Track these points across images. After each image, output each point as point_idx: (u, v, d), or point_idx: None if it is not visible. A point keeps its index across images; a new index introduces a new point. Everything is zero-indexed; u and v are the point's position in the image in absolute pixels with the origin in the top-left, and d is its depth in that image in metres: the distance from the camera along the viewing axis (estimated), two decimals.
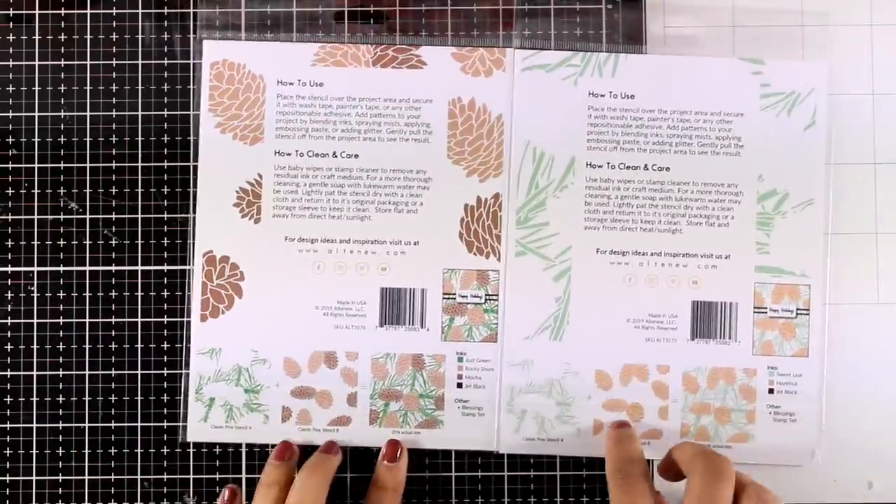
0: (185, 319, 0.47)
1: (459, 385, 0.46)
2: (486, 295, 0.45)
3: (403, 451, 0.45)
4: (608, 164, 0.43)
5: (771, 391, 0.43)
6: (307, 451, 0.46)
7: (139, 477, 0.47)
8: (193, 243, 0.46)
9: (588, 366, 0.44)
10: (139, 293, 0.47)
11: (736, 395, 0.43)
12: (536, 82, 0.43)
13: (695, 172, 0.43)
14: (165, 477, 0.47)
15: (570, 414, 0.44)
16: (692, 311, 0.43)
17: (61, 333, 0.47)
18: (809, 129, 0.42)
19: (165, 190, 0.47)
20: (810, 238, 0.43)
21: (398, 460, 0.44)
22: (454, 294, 0.46)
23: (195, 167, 0.47)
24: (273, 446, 0.46)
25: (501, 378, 0.45)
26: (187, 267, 0.47)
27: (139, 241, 0.47)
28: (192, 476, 0.47)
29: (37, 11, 0.48)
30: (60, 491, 0.47)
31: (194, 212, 0.47)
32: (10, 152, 0.47)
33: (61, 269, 0.47)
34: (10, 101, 0.47)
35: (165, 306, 0.47)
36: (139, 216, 0.47)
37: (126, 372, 0.47)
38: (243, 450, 0.47)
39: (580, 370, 0.44)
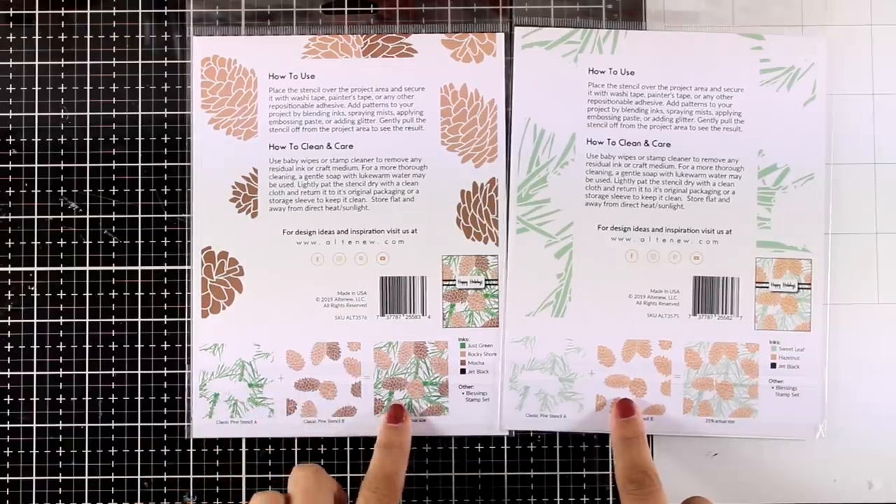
0: (185, 319, 0.47)
1: (462, 371, 0.46)
2: (485, 280, 0.45)
3: (407, 414, 0.45)
4: (609, 140, 0.43)
5: (773, 366, 0.43)
6: (312, 443, 0.46)
7: (139, 477, 0.47)
8: (191, 240, 0.46)
9: (590, 342, 0.44)
10: (139, 293, 0.47)
11: (738, 370, 0.43)
12: (536, 59, 0.43)
13: (695, 148, 0.43)
14: (166, 477, 0.47)
15: (572, 390, 0.44)
16: (694, 286, 0.43)
17: (61, 333, 0.47)
18: (810, 104, 0.42)
19: (165, 190, 0.47)
20: (811, 213, 0.43)
21: (403, 421, 0.44)
22: (454, 280, 0.46)
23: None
24: (272, 441, 0.46)
25: (504, 355, 0.45)
26: (187, 267, 0.47)
27: (139, 241, 0.47)
28: (192, 476, 0.47)
29: (37, 11, 0.48)
30: (60, 491, 0.47)
31: (191, 211, 0.47)
32: (10, 152, 0.47)
33: (61, 269, 0.47)
34: (10, 101, 0.47)
35: (165, 306, 0.47)
36: (139, 216, 0.47)
37: (126, 372, 0.47)
38: (243, 449, 0.47)
39: (582, 346, 0.44)
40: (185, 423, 0.46)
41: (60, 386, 0.47)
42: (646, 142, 0.43)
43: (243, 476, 0.47)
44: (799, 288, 0.42)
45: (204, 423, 0.46)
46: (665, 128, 0.43)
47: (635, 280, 0.43)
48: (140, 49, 0.48)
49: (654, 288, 0.43)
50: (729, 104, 0.43)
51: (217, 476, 0.47)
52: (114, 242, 0.47)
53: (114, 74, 0.47)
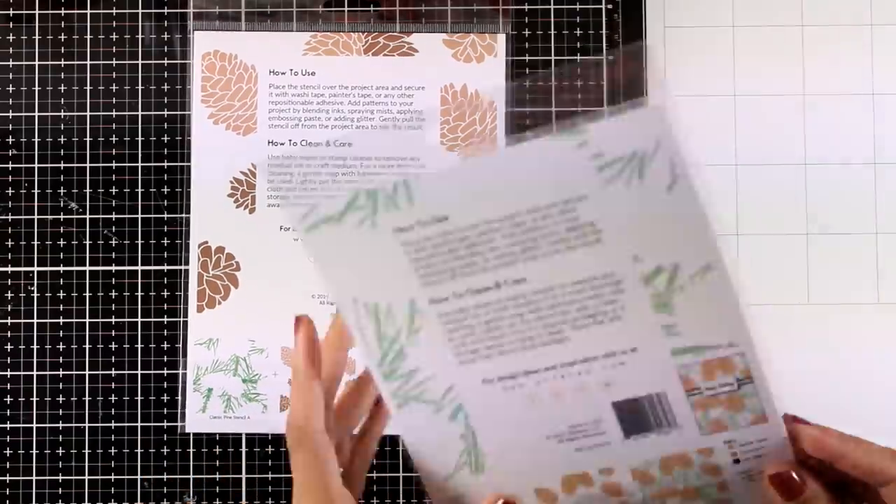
0: (185, 319, 0.47)
1: None
2: None
3: (305, 323, 0.36)
4: (454, 293, 0.36)
5: (737, 461, 0.37)
6: None
7: (139, 477, 0.47)
8: (190, 240, 0.46)
9: (525, 488, 0.38)
10: (139, 293, 0.47)
11: (698, 474, 0.38)
12: (326, 239, 0.36)
13: (556, 275, 0.36)
14: (165, 477, 0.47)
15: None
16: (616, 412, 0.37)
17: (61, 333, 0.47)
18: (675, 187, 0.35)
19: (165, 190, 0.47)
20: (723, 304, 0.36)
21: (297, 333, 0.36)
22: None
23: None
24: (272, 441, 0.46)
25: None
26: (186, 267, 0.47)
27: (139, 241, 0.47)
28: (192, 476, 0.47)
29: (37, 11, 0.48)
30: (60, 491, 0.47)
31: (188, 211, 0.47)
32: (10, 152, 0.47)
33: (61, 269, 0.47)
34: (10, 101, 0.47)
35: (165, 306, 0.47)
36: (139, 216, 0.47)
37: (126, 372, 0.47)
38: (243, 449, 0.47)
39: (517, 493, 0.38)
40: (179, 417, 0.46)
41: (60, 386, 0.47)
42: (497, 284, 0.36)
43: (243, 476, 0.47)
44: (739, 384, 0.36)
45: (197, 417, 0.46)
46: (513, 263, 0.36)
47: (547, 422, 0.37)
48: (140, 49, 0.48)
49: (573, 424, 0.37)
50: (576, 217, 0.35)
51: (217, 476, 0.47)
52: (114, 242, 0.47)
53: (114, 74, 0.47)
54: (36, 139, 0.47)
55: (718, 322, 0.36)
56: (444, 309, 0.36)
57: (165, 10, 0.48)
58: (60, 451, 0.47)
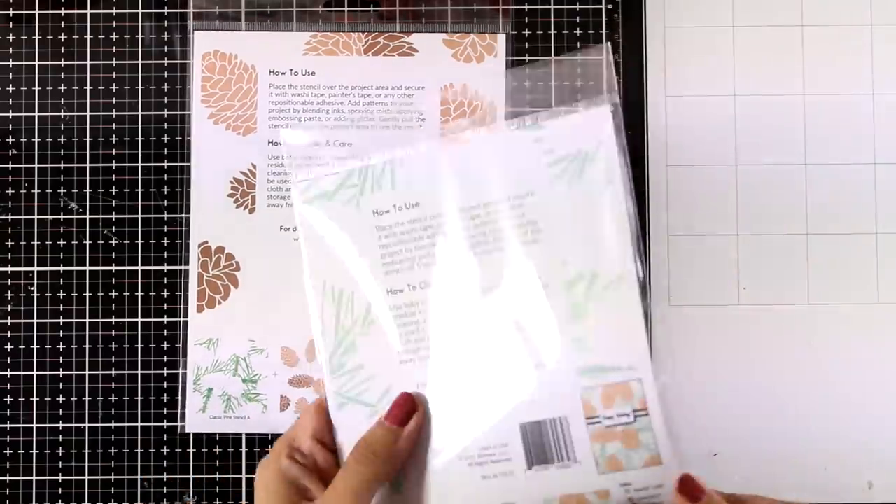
0: (185, 319, 0.47)
1: None
2: None
3: (421, 410, 0.36)
4: (409, 285, 0.37)
5: None
6: None
7: (139, 477, 0.47)
8: (190, 239, 0.46)
9: None
10: (139, 293, 0.47)
11: None
12: (317, 215, 0.38)
13: (497, 273, 0.36)
14: (165, 477, 0.47)
15: None
16: (522, 435, 0.36)
17: (61, 333, 0.47)
18: (607, 190, 0.35)
19: (165, 190, 0.47)
20: (628, 321, 0.34)
21: (408, 422, 0.36)
22: None
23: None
24: (272, 437, 0.46)
25: None
26: (186, 267, 0.47)
27: (139, 241, 0.47)
28: (192, 476, 0.47)
29: (37, 11, 0.48)
30: (60, 491, 0.47)
31: (188, 211, 0.47)
32: (10, 152, 0.47)
33: (61, 269, 0.47)
34: (10, 101, 0.47)
35: (165, 306, 0.47)
36: (139, 216, 0.47)
37: (126, 372, 0.47)
38: (243, 449, 0.47)
39: None
40: (179, 417, 0.46)
41: (60, 386, 0.47)
42: (445, 279, 0.37)
43: (243, 476, 0.47)
44: (635, 416, 0.35)
45: (197, 417, 0.46)
46: (464, 258, 0.37)
47: (462, 440, 0.36)
48: (140, 49, 0.48)
49: (483, 446, 0.36)
50: (522, 213, 0.36)
51: (217, 476, 0.47)
52: (114, 242, 0.47)
53: (114, 74, 0.48)
54: (36, 139, 0.47)
55: (623, 340, 0.35)
56: (397, 301, 0.37)
57: (165, 10, 0.48)
58: (60, 451, 0.47)
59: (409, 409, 0.36)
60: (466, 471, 0.36)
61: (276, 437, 0.46)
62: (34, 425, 0.47)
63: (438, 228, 0.36)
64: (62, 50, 0.48)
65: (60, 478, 0.47)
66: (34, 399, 0.47)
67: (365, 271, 0.37)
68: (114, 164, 0.47)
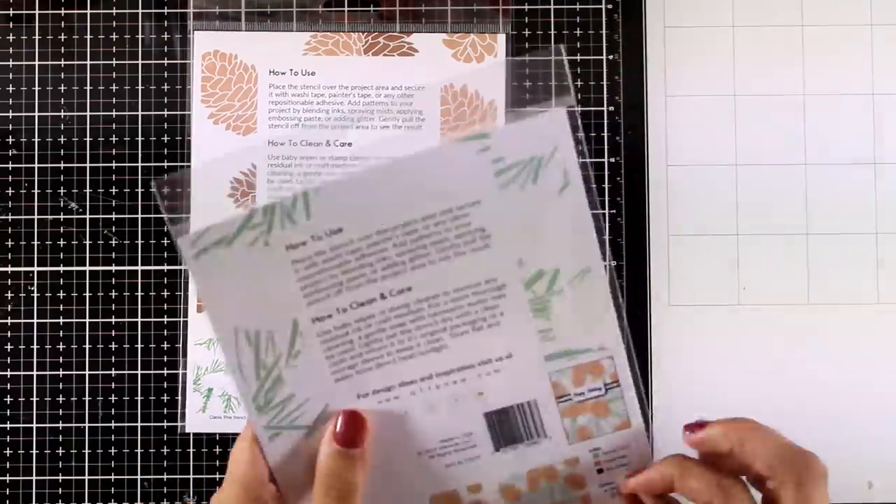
0: (185, 319, 0.47)
1: None
2: None
3: (366, 428, 0.35)
4: (338, 309, 0.36)
5: (600, 471, 0.38)
6: None
7: (139, 477, 0.47)
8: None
9: None
10: (139, 293, 0.47)
11: (563, 487, 0.38)
12: (215, 264, 0.36)
13: (441, 282, 0.36)
14: (165, 477, 0.47)
15: None
16: (487, 423, 0.37)
17: (61, 333, 0.47)
18: (565, 191, 0.36)
19: (165, 190, 0.47)
20: (597, 308, 0.36)
21: (358, 444, 0.35)
22: None
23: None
24: None
25: None
26: (187, 267, 0.47)
27: (139, 241, 0.47)
28: (192, 476, 0.47)
29: (37, 11, 0.48)
30: (60, 491, 0.47)
31: (188, 211, 0.47)
32: (10, 152, 0.47)
33: (61, 269, 0.47)
34: (10, 101, 0.47)
35: (165, 306, 0.47)
36: (139, 216, 0.47)
37: (126, 372, 0.47)
38: None
39: None
40: (179, 417, 0.46)
41: (60, 386, 0.47)
42: (382, 295, 0.37)
43: None
44: (607, 389, 0.37)
45: (197, 417, 0.46)
46: (401, 273, 0.36)
47: (420, 437, 0.37)
48: (140, 49, 0.48)
49: (443, 438, 0.37)
50: (468, 223, 0.36)
51: (217, 476, 0.47)
52: (114, 242, 0.47)
53: (114, 74, 0.48)
54: (36, 139, 0.47)
55: (592, 325, 0.36)
56: (325, 327, 0.36)
57: (165, 10, 0.48)
58: (60, 451, 0.47)
59: (361, 425, 0.36)
60: (428, 463, 0.37)
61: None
62: (34, 425, 0.47)
63: (368, 249, 0.36)
64: (62, 50, 0.48)
65: (60, 478, 0.47)
66: (34, 399, 0.47)
67: (282, 308, 0.36)
68: (114, 164, 0.47)
